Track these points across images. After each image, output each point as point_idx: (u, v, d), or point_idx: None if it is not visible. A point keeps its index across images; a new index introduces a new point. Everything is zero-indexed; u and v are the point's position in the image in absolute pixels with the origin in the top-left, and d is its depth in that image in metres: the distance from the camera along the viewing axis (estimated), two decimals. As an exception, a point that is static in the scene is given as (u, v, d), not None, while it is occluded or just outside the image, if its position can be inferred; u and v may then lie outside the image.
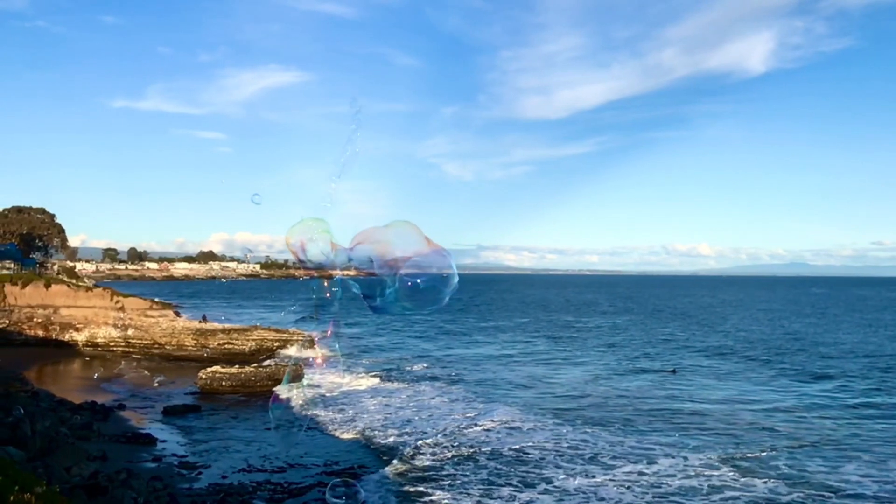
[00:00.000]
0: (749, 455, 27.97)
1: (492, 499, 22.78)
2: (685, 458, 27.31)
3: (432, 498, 22.75)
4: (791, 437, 31.27)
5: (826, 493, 23.47)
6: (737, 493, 23.26)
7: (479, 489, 23.61)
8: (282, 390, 15.54)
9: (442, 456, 27.56)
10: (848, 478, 25.23)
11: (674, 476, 25.07)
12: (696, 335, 79.82)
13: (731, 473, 25.41)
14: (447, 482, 24.31)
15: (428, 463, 26.64)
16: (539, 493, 23.27)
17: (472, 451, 28.33)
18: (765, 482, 24.40)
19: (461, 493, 23.22)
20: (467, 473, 25.36)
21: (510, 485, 24.11)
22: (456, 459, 27.15)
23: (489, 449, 28.63)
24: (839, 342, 72.25)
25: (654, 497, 22.92)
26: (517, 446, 29.10)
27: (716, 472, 25.48)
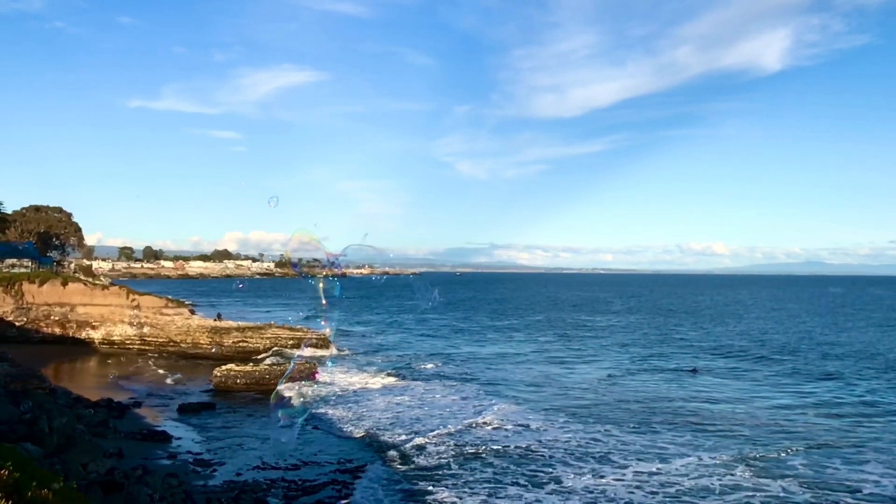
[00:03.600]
0: (765, 455, 27.75)
1: (498, 497, 22.72)
2: (699, 458, 27.15)
3: (438, 496, 22.76)
4: (808, 437, 31.01)
5: (842, 493, 23.25)
6: (751, 494, 23.09)
7: (486, 488, 23.59)
8: (283, 389, 16.06)
9: (449, 454, 27.58)
10: (866, 477, 25.00)
11: (686, 476, 24.92)
12: (711, 334, 79.32)
13: (746, 473, 25.22)
14: (454, 481, 24.33)
15: (436, 461, 26.67)
16: (546, 493, 23.18)
17: (480, 449, 28.33)
18: (781, 482, 24.21)
19: (468, 491, 23.22)
20: (474, 472, 25.36)
21: (517, 484, 24.05)
22: (463, 458, 27.16)
23: (498, 447, 28.63)
24: (855, 342, 71.49)
25: (664, 497, 22.79)
26: (526, 445, 29.07)
27: (730, 472, 25.31)
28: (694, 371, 50.65)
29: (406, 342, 69.52)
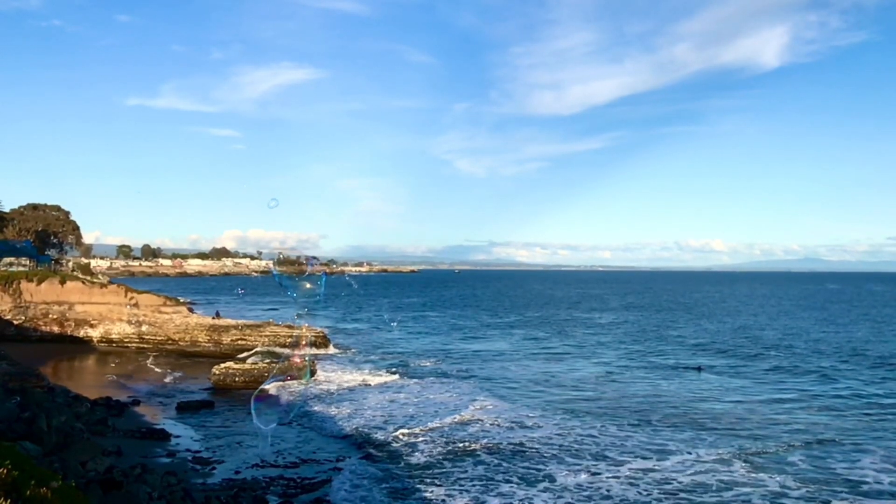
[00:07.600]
0: (764, 451, 27.78)
1: (490, 495, 22.58)
2: (697, 455, 27.16)
3: (429, 494, 22.69)
4: (806, 433, 31.07)
5: (839, 489, 23.32)
6: (749, 490, 23.10)
7: (478, 485, 23.51)
8: (269, 387, 16.58)
9: (442, 451, 27.51)
10: (865, 472, 25.06)
11: (683, 472, 24.96)
12: (709, 331, 79.43)
13: (745, 469, 25.23)
14: (446, 478, 24.26)
15: (428, 459, 26.61)
16: (539, 491, 23.07)
17: (473, 446, 28.29)
18: (778, 478, 24.24)
19: (458, 489, 23.16)
20: (466, 469, 25.28)
21: (510, 481, 23.94)
22: (456, 455, 27.08)
23: (491, 444, 28.57)
24: (852, 338, 71.65)
25: (660, 494, 22.79)
26: (519, 442, 29.03)
27: (728, 469, 25.35)
28: (699, 369, 49.98)
29: (404, 339, 69.58)
